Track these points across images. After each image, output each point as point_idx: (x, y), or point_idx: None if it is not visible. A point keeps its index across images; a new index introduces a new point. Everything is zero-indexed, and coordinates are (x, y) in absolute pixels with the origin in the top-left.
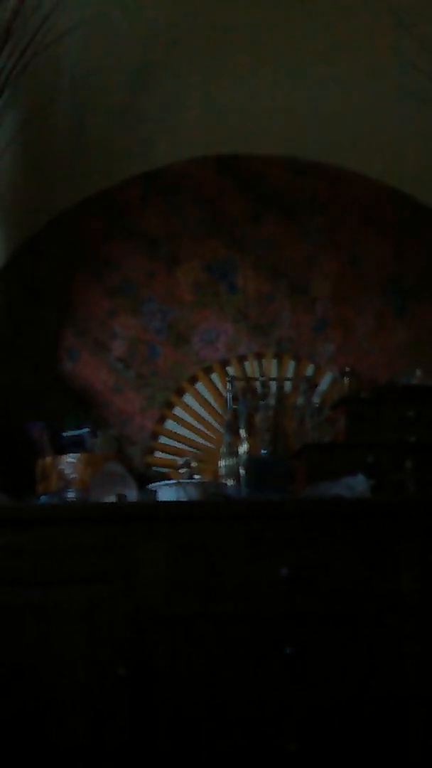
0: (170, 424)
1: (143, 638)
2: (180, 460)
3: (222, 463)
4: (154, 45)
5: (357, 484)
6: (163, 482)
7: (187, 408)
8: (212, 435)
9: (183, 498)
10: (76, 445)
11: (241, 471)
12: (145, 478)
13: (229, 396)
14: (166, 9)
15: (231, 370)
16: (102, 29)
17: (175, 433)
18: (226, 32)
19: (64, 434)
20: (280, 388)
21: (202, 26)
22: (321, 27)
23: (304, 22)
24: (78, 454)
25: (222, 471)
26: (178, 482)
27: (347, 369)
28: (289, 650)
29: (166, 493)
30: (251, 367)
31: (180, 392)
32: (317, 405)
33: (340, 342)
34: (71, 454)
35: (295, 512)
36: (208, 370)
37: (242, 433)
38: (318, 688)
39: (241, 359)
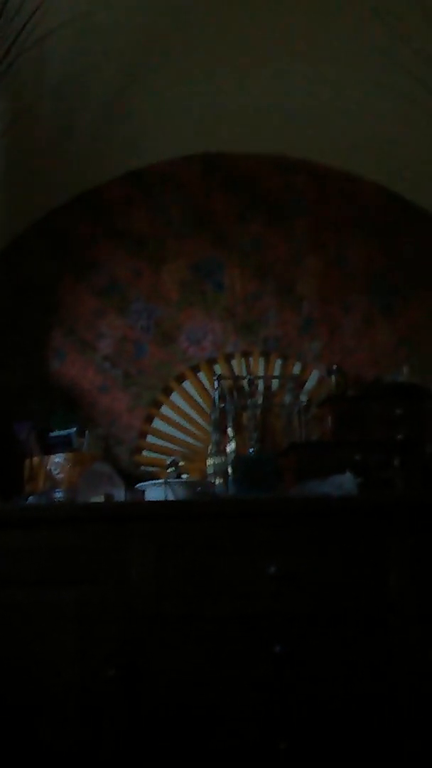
0: (157, 423)
1: (133, 638)
2: (167, 460)
3: (209, 462)
4: (141, 44)
5: (345, 483)
6: (150, 482)
7: (175, 407)
8: (199, 434)
9: (170, 497)
10: (64, 444)
11: (229, 470)
12: (132, 477)
13: (216, 395)
14: (153, 8)
15: (218, 368)
16: (89, 28)
17: (163, 432)
18: (215, 31)
19: (52, 434)
20: (267, 386)
21: (189, 25)
22: (311, 28)
23: (295, 23)
24: (65, 454)
25: (209, 470)
26: (166, 481)
27: (334, 367)
28: (278, 649)
29: (154, 492)
30: (238, 366)
31: (167, 391)
32: (304, 403)
33: (326, 340)
34: (58, 454)
35: (283, 511)
36: (195, 369)
37: (229, 431)
38: (307, 687)
39: (228, 358)
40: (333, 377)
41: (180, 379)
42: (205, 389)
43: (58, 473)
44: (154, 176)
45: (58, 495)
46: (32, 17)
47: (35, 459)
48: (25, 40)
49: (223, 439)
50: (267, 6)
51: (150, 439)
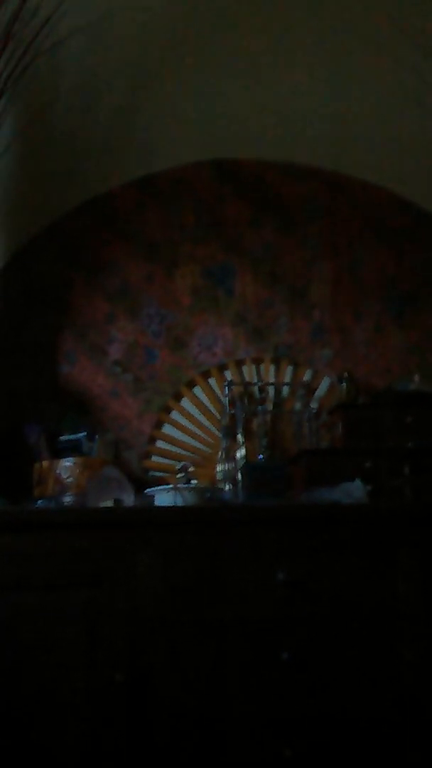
0: (167, 429)
1: (140, 643)
2: (177, 465)
3: (219, 467)
4: (153, 51)
5: (354, 490)
6: (160, 487)
7: (185, 412)
8: (209, 439)
9: (180, 503)
10: (73, 449)
11: (239, 476)
12: (142, 482)
13: (226, 401)
14: (165, 16)
15: (229, 374)
16: (101, 34)
17: (173, 437)
18: (226, 38)
19: (61, 438)
20: (278, 393)
21: (201, 33)
22: (321, 33)
23: (304, 29)
24: (75, 458)
25: (219, 476)
26: (175, 487)
27: (345, 374)
28: (286, 656)
29: (163, 498)
30: (249, 372)
31: (177, 397)
32: (315, 410)
33: (338, 347)
34: (68, 458)
35: (292, 518)
36: (205, 375)
37: (239, 437)
38: (314, 694)
39: (239, 364)
40: (344, 384)
41: (191, 384)
42: (216, 395)
43: (67, 477)
44: (166, 181)
45: (67, 499)
46: (46, 23)
47: (45, 463)
48: (40, 45)
49: (233, 445)
50: (277, 15)
51: (160, 444)
